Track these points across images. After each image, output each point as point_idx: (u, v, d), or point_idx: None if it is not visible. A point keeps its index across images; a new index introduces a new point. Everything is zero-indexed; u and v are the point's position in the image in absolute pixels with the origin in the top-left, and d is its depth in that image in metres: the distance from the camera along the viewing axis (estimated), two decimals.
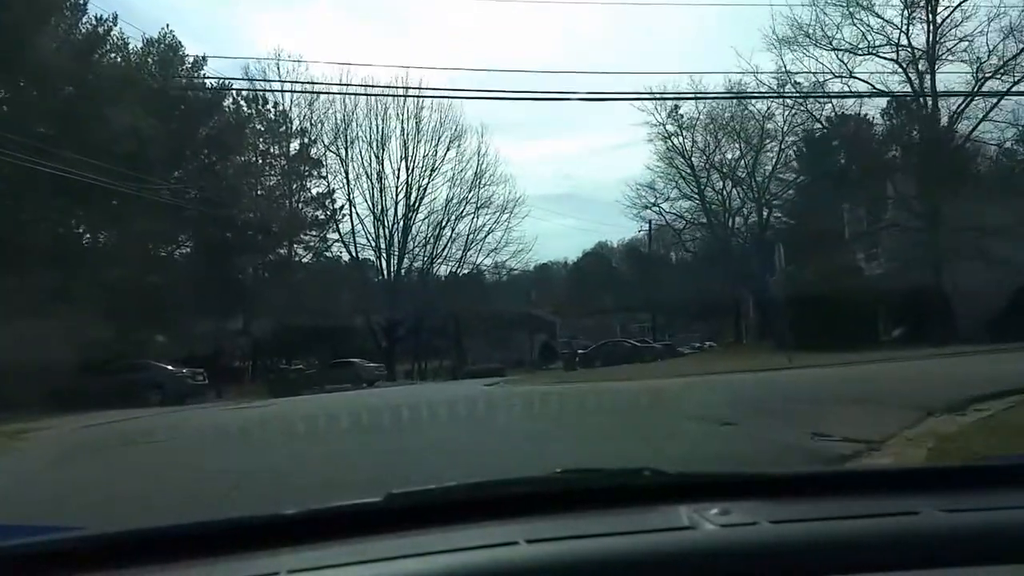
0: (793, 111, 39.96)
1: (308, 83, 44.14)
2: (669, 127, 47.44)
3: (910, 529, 1.22)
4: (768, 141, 45.54)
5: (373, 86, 44.84)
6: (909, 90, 30.11)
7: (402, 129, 49.45)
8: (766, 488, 1.52)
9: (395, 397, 19.44)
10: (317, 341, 47.60)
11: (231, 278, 36.66)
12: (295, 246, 46.39)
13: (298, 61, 57.15)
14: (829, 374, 15.53)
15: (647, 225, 53.68)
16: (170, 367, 25.00)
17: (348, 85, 40.22)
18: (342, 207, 48.81)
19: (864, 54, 28.98)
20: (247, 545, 1.30)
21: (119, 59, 33.48)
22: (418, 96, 44.23)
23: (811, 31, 30.08)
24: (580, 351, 42.26)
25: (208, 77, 36.40)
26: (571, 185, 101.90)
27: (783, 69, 31.19)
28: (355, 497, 1.42)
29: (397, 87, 44.45)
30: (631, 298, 71.29)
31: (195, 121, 35.89)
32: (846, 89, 30.28)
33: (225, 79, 38.11)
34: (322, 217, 48.08)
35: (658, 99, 35.82)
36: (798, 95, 30.67)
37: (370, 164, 49.28)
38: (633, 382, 18.09)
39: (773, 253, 20.37)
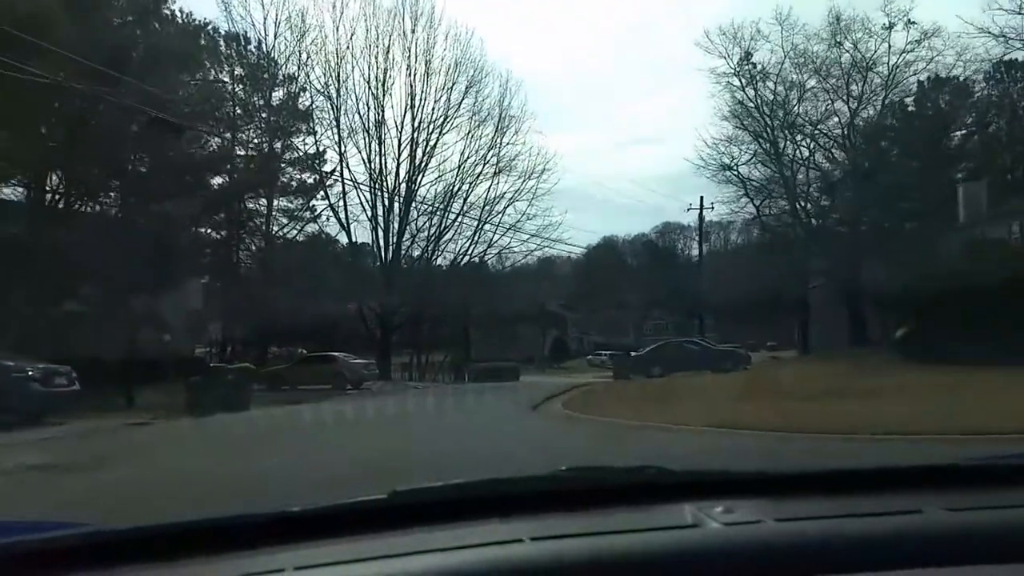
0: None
1: None
2: (742, 78, 38.05)
3: (913, 527, 1.21)
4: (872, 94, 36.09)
5: None
6: None
7: (409, 70, 39.59)
8: (770, 486, 1.50)
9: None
10: (296, 332, 38.05)
11: (172, 243, 26.89)
12: (274, 214, 36.89)
13: None
14: None
15: (698, 201, 44.23)
16: (10, 363, 15.05)
17: None
18: (333, 171, 38.97)
19: None
20: (252, 542, 1.28)
21: None
22: None
23: None
24: (632, 353, 32.54)
25: None
26: (575, 180, 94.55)
27: None
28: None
29: None
30: (648, 294, 67.01)
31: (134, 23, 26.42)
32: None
33: None
34: (310, 182, 38.31)
35: None
36: None
37: (367, 114, 39.37)
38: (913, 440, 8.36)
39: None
